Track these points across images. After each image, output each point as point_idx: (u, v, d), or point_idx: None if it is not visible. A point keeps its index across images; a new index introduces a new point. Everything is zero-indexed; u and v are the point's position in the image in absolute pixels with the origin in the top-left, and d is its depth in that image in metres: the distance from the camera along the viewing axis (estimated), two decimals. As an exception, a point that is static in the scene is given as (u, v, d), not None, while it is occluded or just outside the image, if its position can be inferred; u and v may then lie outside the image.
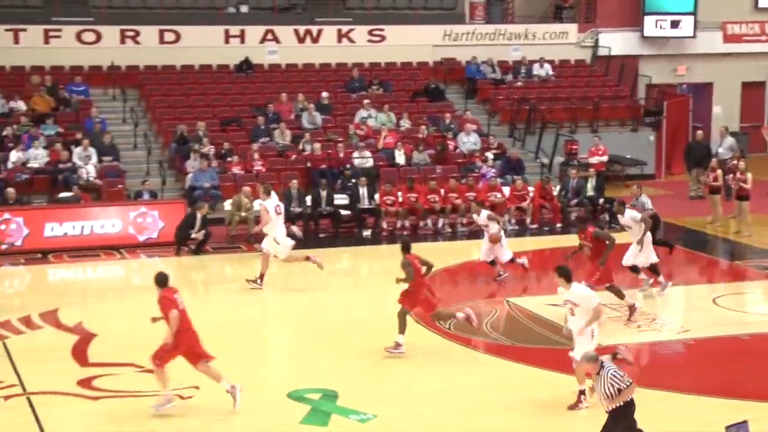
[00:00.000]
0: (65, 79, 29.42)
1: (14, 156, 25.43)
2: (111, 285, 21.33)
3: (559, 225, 25.40)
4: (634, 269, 18.76)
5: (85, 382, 14.34)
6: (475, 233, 22.67)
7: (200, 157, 25.76)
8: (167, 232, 23.09)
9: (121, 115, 28.98)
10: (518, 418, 13.21)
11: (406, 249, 15.74)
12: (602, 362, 10.94)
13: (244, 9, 32.78)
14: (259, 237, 20.67)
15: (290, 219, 22.23)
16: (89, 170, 25.42)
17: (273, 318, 19.21)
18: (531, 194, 25.66)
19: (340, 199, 25.10)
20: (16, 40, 29.79)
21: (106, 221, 23.53)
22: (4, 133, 26.34)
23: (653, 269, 18.73)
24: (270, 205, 19.60)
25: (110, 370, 14.85)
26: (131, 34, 30.66)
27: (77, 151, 25.83)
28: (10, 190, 23.67)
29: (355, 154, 26.99)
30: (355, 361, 15.45)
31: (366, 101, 29.61)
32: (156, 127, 28.90)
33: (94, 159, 25.88)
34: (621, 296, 17.29)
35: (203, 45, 31.05)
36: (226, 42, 31.33)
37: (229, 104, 29.70)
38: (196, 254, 22.53)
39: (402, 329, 15.48)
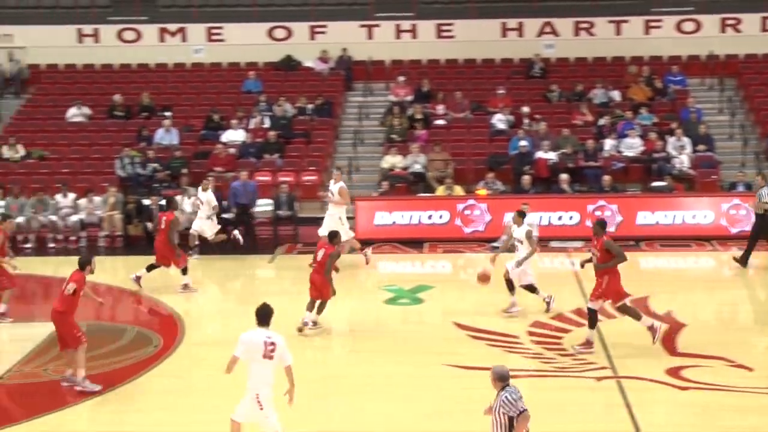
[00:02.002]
0: (663, 69, 29.69)
1: (608, 144, 26.25)
2: (701, 276, 21.25)
3: None
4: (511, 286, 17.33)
5: (673, 372, 14.44)
6: None
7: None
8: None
9: (717, 105, 28.67)
10: None
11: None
12: (507, 384, 9.89)
13: None
14: None
15: None
16: (683, 160, 25.49)
17: None
18: None
19: None
20: (618, 32, 30.62)
21: (698, 212, 23.48)
22: (601, 122, 27.27)
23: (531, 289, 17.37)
24: None
25: (699, 361, 14.82)
26: (732, 22, 30.15)
27: (671, 140, 26.01)
28: (606, 178, 24.51)
29: None
30: None
31: None
32: (753, 118, 28.17)
33: (689, 149, 25.87)
34: (637, 317, 15.48)
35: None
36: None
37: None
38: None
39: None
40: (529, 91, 29.48)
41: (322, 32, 31.36)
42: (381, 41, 31.22)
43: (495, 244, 23.13)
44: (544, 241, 23.22)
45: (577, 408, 13.23)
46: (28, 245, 23.38)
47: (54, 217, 23.96)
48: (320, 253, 16.39)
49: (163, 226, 19.33)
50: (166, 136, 27.25)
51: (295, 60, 31.08)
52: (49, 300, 18.86)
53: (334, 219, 20.86)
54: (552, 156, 25.81)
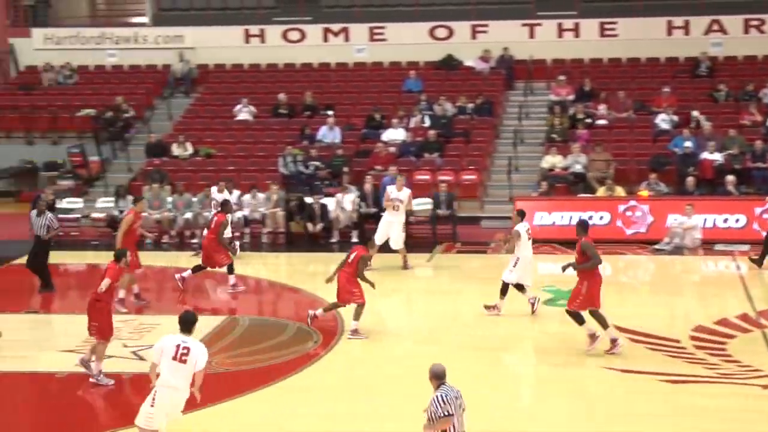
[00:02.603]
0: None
1: None
2: None
3: None
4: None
5: None
6: None
7: None
8: None
9: None
10: None
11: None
12: (442, 383, 9.99)
13: None
14: None
15: None
16: None
17: None
18: None
19: None
20: None
21: None
22: None
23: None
24: None
25: None
26: None
27: None
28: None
29: None
30: None
31: None
32: None
33: None
34: (604, 325, 15.32)
35: None
36: None
37: None
38: None
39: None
40: (694, 90, 28.79)
41: (484, 31, 31.33)
42: (543, 40, 31.00)
43: (658, 247, 22.71)
44: (708, 244, 22.73)
45: (742, 416, 12.86)
46: (195, 240, 24.09)
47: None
48: (352, 256, 16.32)
49: (212, 227, 19.47)
50: (329, 134, 27.70)
51: (456, 59, 31.14)
52: (218, 295, 19.56)
53: (401, 227, 21.00)
54: (718, 157, 25.14)
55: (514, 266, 17.21)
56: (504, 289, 17.34)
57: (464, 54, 31.13)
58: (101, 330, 14.19)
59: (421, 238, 23.81)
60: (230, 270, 19.47)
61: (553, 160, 25.86)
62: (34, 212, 19.60)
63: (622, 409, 13.04)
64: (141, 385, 14.30)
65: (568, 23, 31.06)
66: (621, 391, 13.71)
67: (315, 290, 19.16)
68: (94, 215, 25.29)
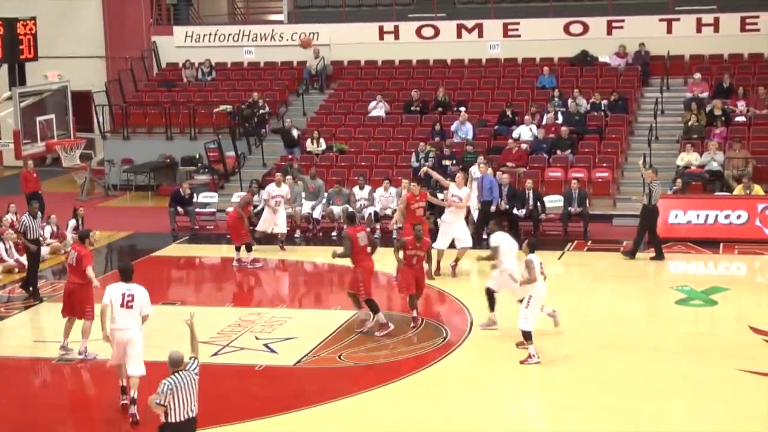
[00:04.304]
0: None
1: None
2: None
3: None
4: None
5: None
6: None
7: None
8: None
9: None
10: None
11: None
12: (177, 370, 10.55)
13: None
14: None
15: None
16: None
17: None
18: None
19: None
20: None
21: None
22: None
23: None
24: None
25: None
26: None
27: None
28: None
29: None
30: None
31: None
32: None
33: None
34: (357, 306, 16.42)
35: None
36: None
37: None
38: None
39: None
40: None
41: (620, 27, 30.86)
42: (680, 35, 30.36)
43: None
44: None
45: None
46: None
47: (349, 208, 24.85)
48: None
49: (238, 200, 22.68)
50: (461, 129, 27.73)
51: (591, 55, 30.79)
52: (337, 287, 19.79)
53: (463, 225, 20.71)
54: None
55: (527, 307, 14.84)
56: (530, 337, 14.86)
57: (599, 50, 30.72)
58: (92, 312, 15.12)
59: (553, 236, 23.65)
60: (248, 248, 21.38)
61: (688, 158, 25.36)
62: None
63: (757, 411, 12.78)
64: (275, 374, 14.70)
65: (708, 18, 30.34)
66: (754, 393, 13.41)
67: (444, 285, 19.29)
68: (229, 209, 25.87)
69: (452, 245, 20.31)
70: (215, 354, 15.45)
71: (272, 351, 15.68)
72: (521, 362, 14.70)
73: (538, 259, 15.05)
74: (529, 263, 14.96)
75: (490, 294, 16.48)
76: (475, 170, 23.40)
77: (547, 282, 15.21)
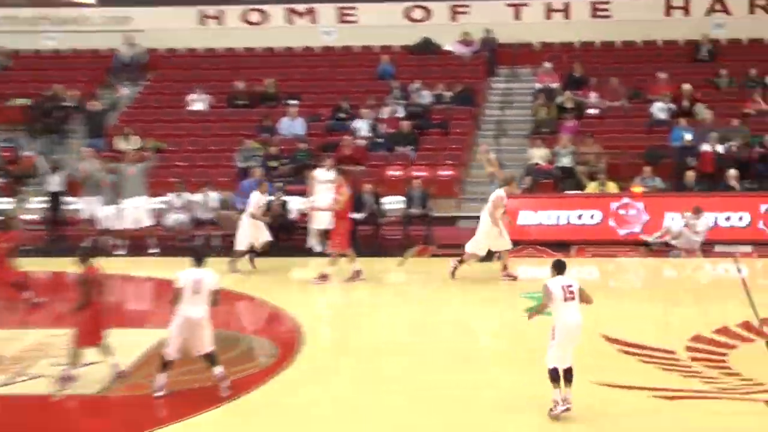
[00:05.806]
0: None
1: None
2: None
3: None
4: None
5: None
6: None
7: None
8: None
9: None
10: None
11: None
12: None
13: None
14: None
15: None
16: None
17: None
18: None
19: None
20: None
21: None
22: (779, 111, 26.38)
23: None
24: None
25: None
26: None
27: None
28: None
29: None
30: None
31: None
32: None
33: None
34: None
35: None
36: None
37: None
38: None
39: None
40: (694, 76, 28.64)
41: (465, 12, 31.21)
42: (529, 22, 30.84)
43: (649, 239, 22.60)
44: (708, 245, 22.56)
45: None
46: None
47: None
48: None
49: None
50: (291, 126, 27.41)
51: (433, 43, 30.93)
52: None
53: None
54: (719, 149, 25.00)
55: (553, 339, 13.30)
56: (556, 377, 13.20)
57: (443, 37, 30.94)
58: None
59: (393, 240, 23.56)
60: None
61: (538, 153, 25.67)
62: None
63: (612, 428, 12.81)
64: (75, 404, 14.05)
65: (558, 3, 31.00)
66: (615, 410, 13.46)
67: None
68: (28, 217, 24.86)
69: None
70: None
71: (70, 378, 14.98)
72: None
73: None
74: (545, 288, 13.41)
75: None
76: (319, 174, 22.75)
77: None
